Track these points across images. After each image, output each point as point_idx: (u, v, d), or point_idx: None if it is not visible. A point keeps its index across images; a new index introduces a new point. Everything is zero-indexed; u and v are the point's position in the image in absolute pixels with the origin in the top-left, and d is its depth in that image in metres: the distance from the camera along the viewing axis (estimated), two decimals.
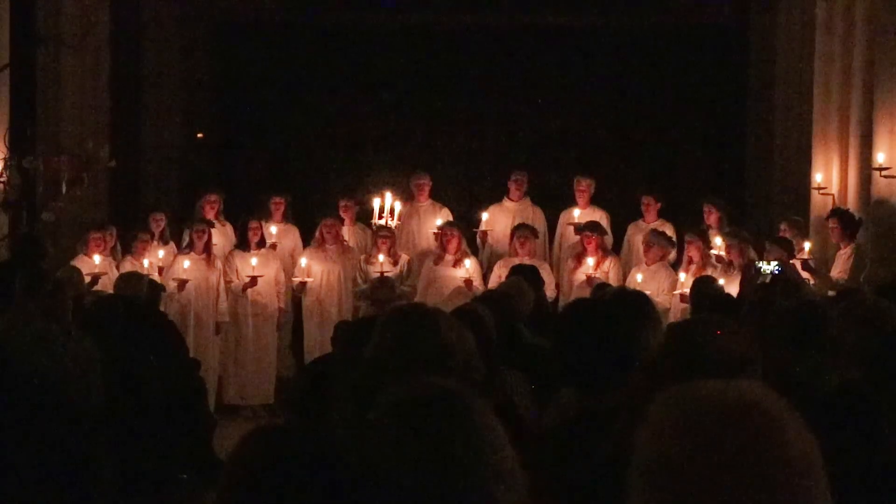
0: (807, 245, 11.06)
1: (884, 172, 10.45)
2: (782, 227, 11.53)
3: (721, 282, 9.94)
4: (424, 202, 13.09)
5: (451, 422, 2.19)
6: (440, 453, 2.15)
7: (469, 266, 11.81)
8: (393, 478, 2.12)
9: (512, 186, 13.06)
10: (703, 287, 8.44)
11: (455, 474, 2.13)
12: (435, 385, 2.34)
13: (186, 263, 11.72)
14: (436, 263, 11.95)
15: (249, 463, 2.10)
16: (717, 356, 3.35)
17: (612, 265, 11.82)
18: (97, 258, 11.28)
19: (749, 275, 9.73)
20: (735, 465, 1.60)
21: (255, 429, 2.23)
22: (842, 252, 10.76)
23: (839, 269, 10.67)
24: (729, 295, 8.90)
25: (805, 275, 10.28)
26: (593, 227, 11.96)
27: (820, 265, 11.00)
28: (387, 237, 11.90)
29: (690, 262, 11.32)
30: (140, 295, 9.76)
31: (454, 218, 12.86)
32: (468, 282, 11.67)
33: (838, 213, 10.90)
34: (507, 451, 2.21)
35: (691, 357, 3.15)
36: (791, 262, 10.17)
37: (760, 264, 9.63)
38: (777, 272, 9.50)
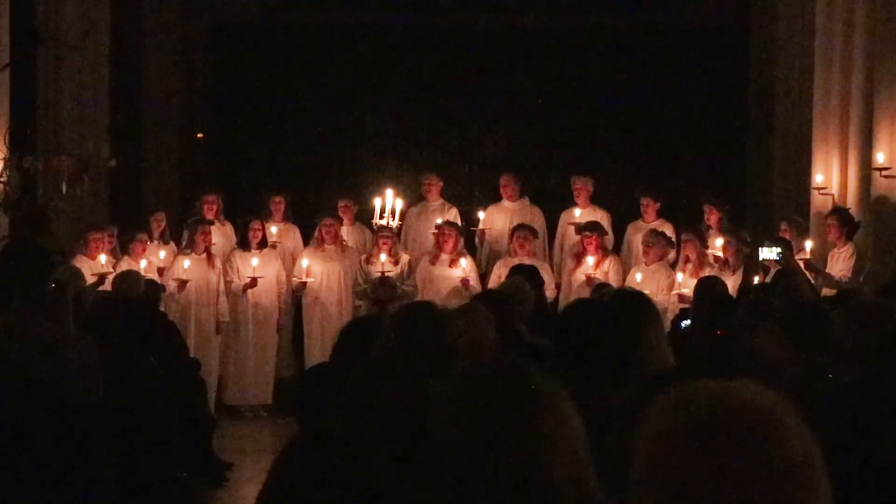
0: (808, 244, 11.06)
1: (884, 172, 10.45)
2: (782, 226, 11.53)
3: None
4: (434, 202, 13.07)
5: (516, 390, 2.25)
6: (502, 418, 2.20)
7: (465, 265, 11.82)
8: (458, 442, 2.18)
9: (502, 191, 13.05)
10: (707, 287, 8.42)
11: (510, 440, 2.18)
12: (502, 358, 2.42)
13: (187, 263, 11.71)
14: (431, 263, 11.95)
15: (294, 469, 2.12)
16: (751, 362, 3.34)
17: (611, 265, 11.83)
18: (102, 258, 11.28)
19: (750, 262, 9.75)
20: (735, 465, 1.60)
21: (300, 435, 2.27)
22: (839, 251, 10.76)
23: (838, 268, 10.67)
24: (729, 295, 8.89)
25: (808, 275, 10.29)
26: (594, 227, 11.97)
27: (821, 265, 11.01)
28: (388, 237, 11.89)
29: (687, 261, 11.34)
30: (138, 294, 9.76)
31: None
32: (465, 281, 11.68)
33: (838, 212, 10.92)
34: (574, 422, 2.26)
35: (727, 362, 3.15)
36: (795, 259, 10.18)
37: (761, 250, 9.64)
38: (777, 259, 9.52)
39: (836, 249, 10.82)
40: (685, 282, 10.87)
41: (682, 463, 1.62)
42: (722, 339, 3.40)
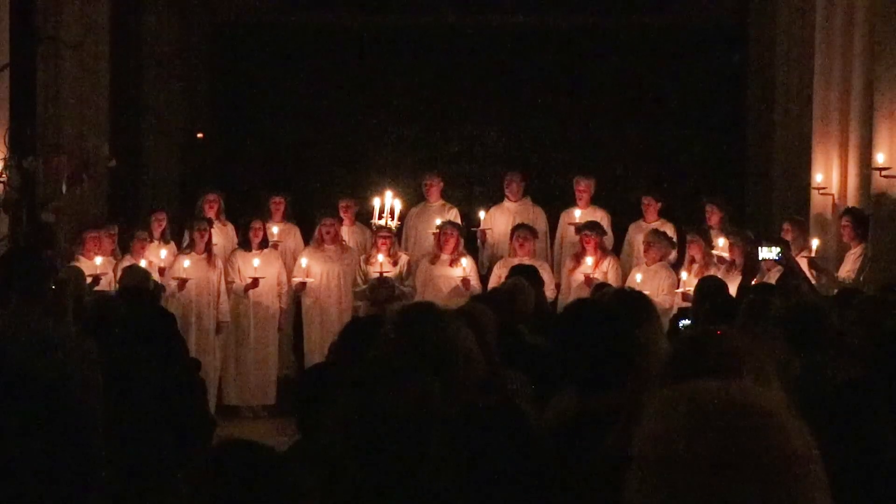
0: (815, 242, 11.06)
1: (884, 172, 10.44)
2: (785, 226, 11.52)
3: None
4: (435, 202, 13.06)
5: None
6: None
7: (466, 265, 11.81)
8: None
9: (506, 190, 13.06)
10: (707, 286, 8.42)
11: None
12: None
13: (187, 263, 11.72)
14: (432, 263, 11.95)
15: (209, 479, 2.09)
16: (718, 361, 3.34)
17: (611, 265, 11.82)
18: (98, 259, 11.26)
19: (750, 262, 9.75)
20: (734, 465, 1.60)
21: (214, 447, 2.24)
22: (851, 252, 10.76)
23: (847, 268, 10.67)
24: (730, 295, 8.89)
25: (811, 273, 10.29)
26: (593, 227, 11.97)
27: (827, 263, 11.00)
28: (386, 237, 11.88)
29: (692, 261, 11.33)
30: (147, 287, 9.75)
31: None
32: (465, 281, 11.67)
33: (851, 212, 10.90)
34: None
35: (693, 360, 3.13)
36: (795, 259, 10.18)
37: (761, 250, 9.65)
38: (777, 258, 9.52)
39: (850, 251, 10.82)
40: (689, 281, 10.85)
41: (681, 462, 1.62)
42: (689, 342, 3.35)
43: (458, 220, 12.65)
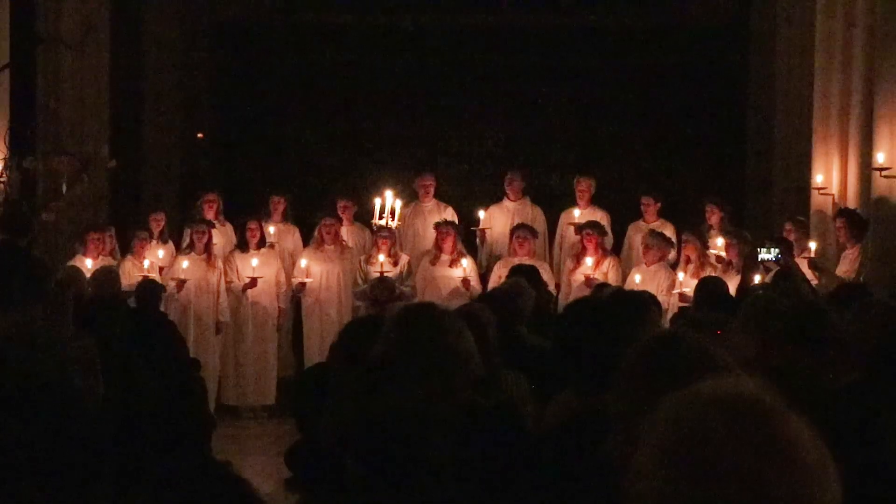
0: (812, 244, 11.06)
1: (884, 172, 10.44)
2: (787, 227, 11.51)
3: None
4: (429, 202, 13.08)
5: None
6: None
7: (466, 266, 11.82)
8: None
9: (507, 188, 13.08)
10: (708, 286, 8.42)
11: None
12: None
13: (185, 263, 11.72)
14: (432, 263, 11.95)
15: None
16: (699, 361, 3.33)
17: (611, 265, 11.83)
18: (89, 262, 11.24)
19: (749, 262, 9.75)
20: (736, 459, 1.60)
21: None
22: (848, 252, 10.76)
23: (844, 269, 10.67)
24: (730, 295, 8.89)
25: (811, 273, 10.29)
26: (594, 226, 11.97)
27: (827, 264, 11.00)
28: (387, 237, 11.88)
29: (688, 261, 11.34)
30: (116, 291, 9.73)
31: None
32: (465, 282, 11.68)
33: (846, 214, 10.90)
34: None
35: (673, 361, 3.13)
36: (794, 260, 10.18)
37: (761, 250, 9.66)
38: (776, 259, 9.53)
39: (847, 251, 10.82)
40: (686, 281, 10.87)
41: (686, 457, 1.62)
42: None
43: (455, 219, 12.68)
